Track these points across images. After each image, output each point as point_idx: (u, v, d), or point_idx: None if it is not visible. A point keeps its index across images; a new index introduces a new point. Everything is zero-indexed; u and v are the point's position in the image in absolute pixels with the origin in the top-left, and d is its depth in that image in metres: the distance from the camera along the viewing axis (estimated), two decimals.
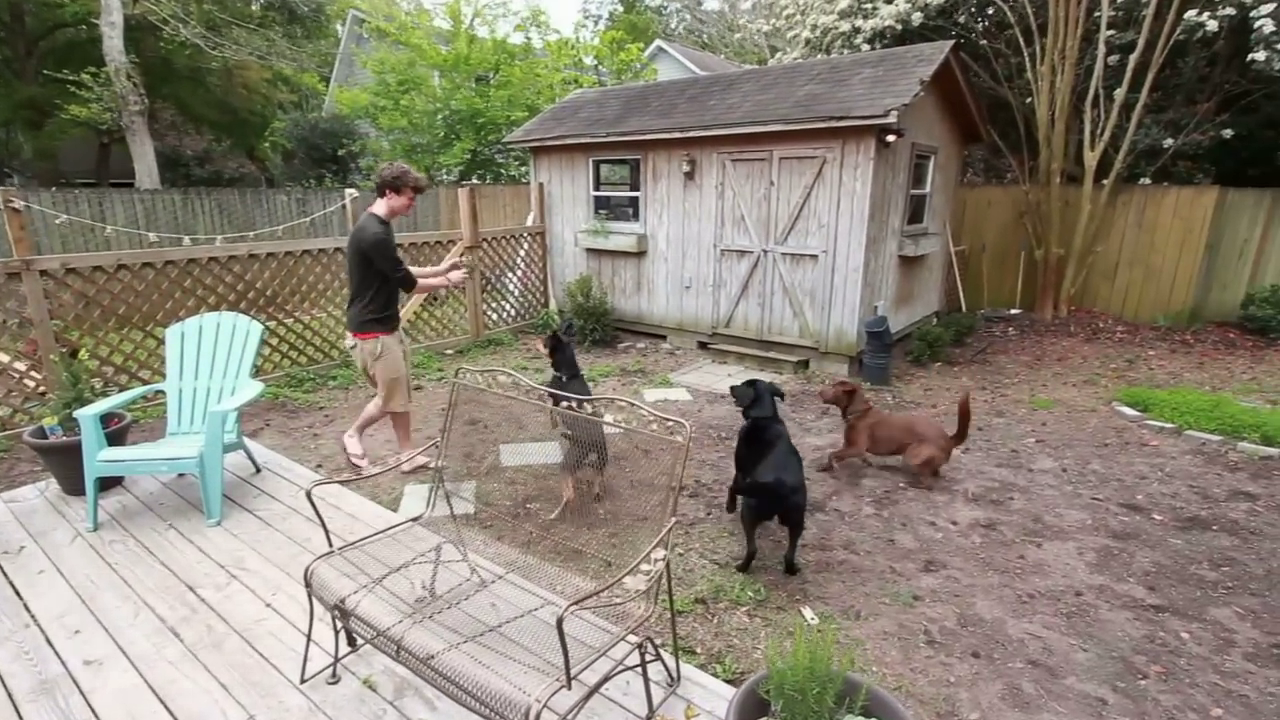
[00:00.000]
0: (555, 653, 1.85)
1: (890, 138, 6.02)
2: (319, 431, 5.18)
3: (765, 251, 6.93)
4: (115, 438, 3.93)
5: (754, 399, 3.70)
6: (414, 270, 4.17)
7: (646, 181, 7.71)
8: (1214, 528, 3.76)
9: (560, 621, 1.74)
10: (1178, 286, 8.52)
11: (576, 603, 1.81)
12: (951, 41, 6.89)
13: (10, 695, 2.41)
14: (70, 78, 13.97)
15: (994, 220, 9.58)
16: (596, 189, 8.30)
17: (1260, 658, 2.73)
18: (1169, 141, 8.52)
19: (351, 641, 2.58)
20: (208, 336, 4.19)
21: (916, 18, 9.93)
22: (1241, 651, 2.77)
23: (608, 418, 2.45)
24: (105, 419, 3.85)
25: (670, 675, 2.43)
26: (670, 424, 2.25)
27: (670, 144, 7.32)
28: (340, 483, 3.75)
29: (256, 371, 4.41)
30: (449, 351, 7.50)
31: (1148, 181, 8.84)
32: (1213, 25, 7.56)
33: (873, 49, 10.02)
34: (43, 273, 4.86)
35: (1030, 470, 4.54)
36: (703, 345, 7.68)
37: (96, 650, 2.63)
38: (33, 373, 4.99)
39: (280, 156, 20.28)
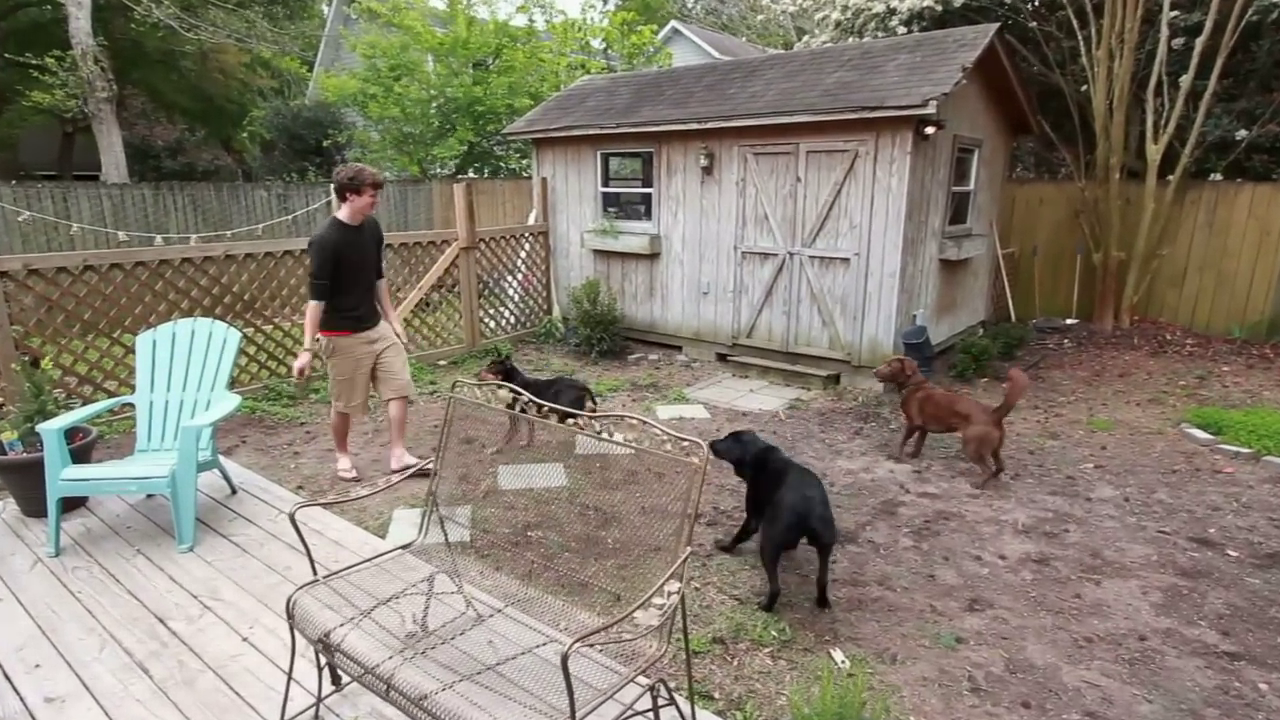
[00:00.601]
0: (558, 694, 1.87)
1: (929, 130, 6.06)
2: (300, 449, 5.24)
3: (791, 254, 6.96)
4: (80, 454, 4.00)
5: (742, 457, 3.65)
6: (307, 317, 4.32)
7: (660, 177, 7.78)
8: None
9: (565, 659, 1.76)
10: (1254, 294, 8.45)
11: (582, 638, 1.83)
12: (997, 24, 6.95)
13: None
14: (33, 61, 14.28)
15: (1046, 220, 9.58)
16: (605, 185, 8.38)
17: None
18: (1242, 133, 8.50)
19: (336, 680, 2.61)
20: (181, 344, 4.28)
21: None
22: None
23: (618, 436, 2.48)
24: (69, 434, 3.92)
25: None
26: (686, 444, 2.28)
27: (686, 136, 7.40)
28: (324, 505, 3.80)
29: (233, 383, 4.49)
30: (442, 363, 7.58)
31: (1218, 177, 8.80)
32: None
33: (909, 32, 10.09)
34: (2, 274, 4.96)
35: (1088, 499, 4.52)
36: (722, 357, 7.71)
37: (59, 687, 2.68)
38: None
39: (259, 148, 20.61)
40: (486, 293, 8.64)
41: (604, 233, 8.25)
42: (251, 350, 6.23)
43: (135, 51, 17.23)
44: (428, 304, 7.81)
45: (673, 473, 2.33)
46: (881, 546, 3.91)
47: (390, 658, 2.11)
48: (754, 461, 3.65)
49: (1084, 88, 8.95)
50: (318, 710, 2.51)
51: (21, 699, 2.61)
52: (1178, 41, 8.22)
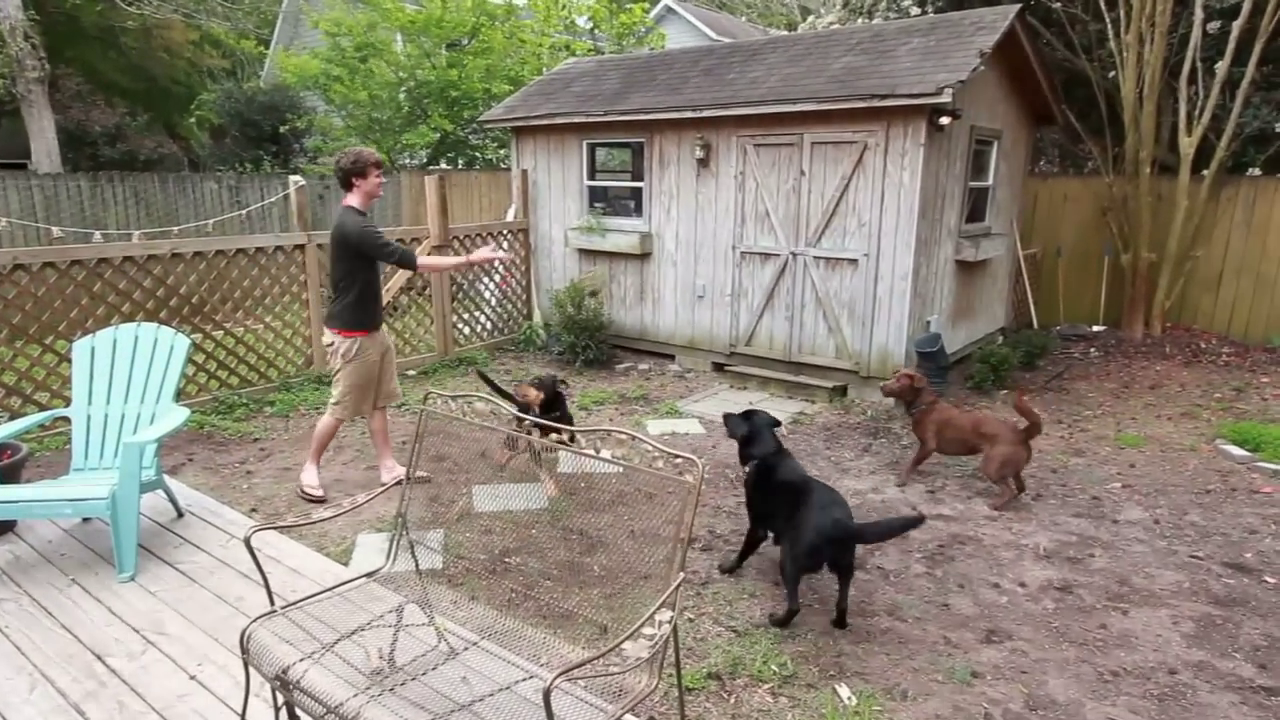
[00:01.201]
0: None
1: (944, 120, 6.15)
2: (253, 468, 5.24)
3: (794, 255, 7.04)
4: (7, 474, 4.00)
5: (749, 434, 3.88)
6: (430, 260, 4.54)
7: (652, 169, 7.85)
8: None
9: (548, 695, 1.79)
10: None
11: (566, 672, 1.86)
12: (1018, 5, 7.05)
13: None
14: None
15: (1071, 218, 9.71)
16: (591, 178, 8.44)
17: None
18: None
19: None
20: (123, 352, 4.28)
21: None
22: None
23: (605, 453, 2.52)
24: None
25: None
26: (679, 461, 2.32)
27: (681, 125, 7.47)
28: (282, 529, 3.82)
29: (180, 395, 4.49)
30: (411, 372, 7.59)
31: (1257, 172, 8.95)
32: None
33: (923, 13, 10.24)
34: None
35: (1115, 522, 4.58)
36: (719, 367, 7.76)
37: None
38: None
39: (208, 134, 20.55)
40: (461, 296, 8.66)
41: (590, 230, 8.31)
42: (200, 359, 6.23)
43: (70, 27, 17.19)
44: (395, 308, 7.83)
45: (664, 493, 2.37)
46: (892, 573, 3.96)
47: (354, 696, 2.13)
48: (762, 467, 3.79)
49: (1112, 74, 9.08)
50: None
51: None
52: (1213, 25, 8.36)
